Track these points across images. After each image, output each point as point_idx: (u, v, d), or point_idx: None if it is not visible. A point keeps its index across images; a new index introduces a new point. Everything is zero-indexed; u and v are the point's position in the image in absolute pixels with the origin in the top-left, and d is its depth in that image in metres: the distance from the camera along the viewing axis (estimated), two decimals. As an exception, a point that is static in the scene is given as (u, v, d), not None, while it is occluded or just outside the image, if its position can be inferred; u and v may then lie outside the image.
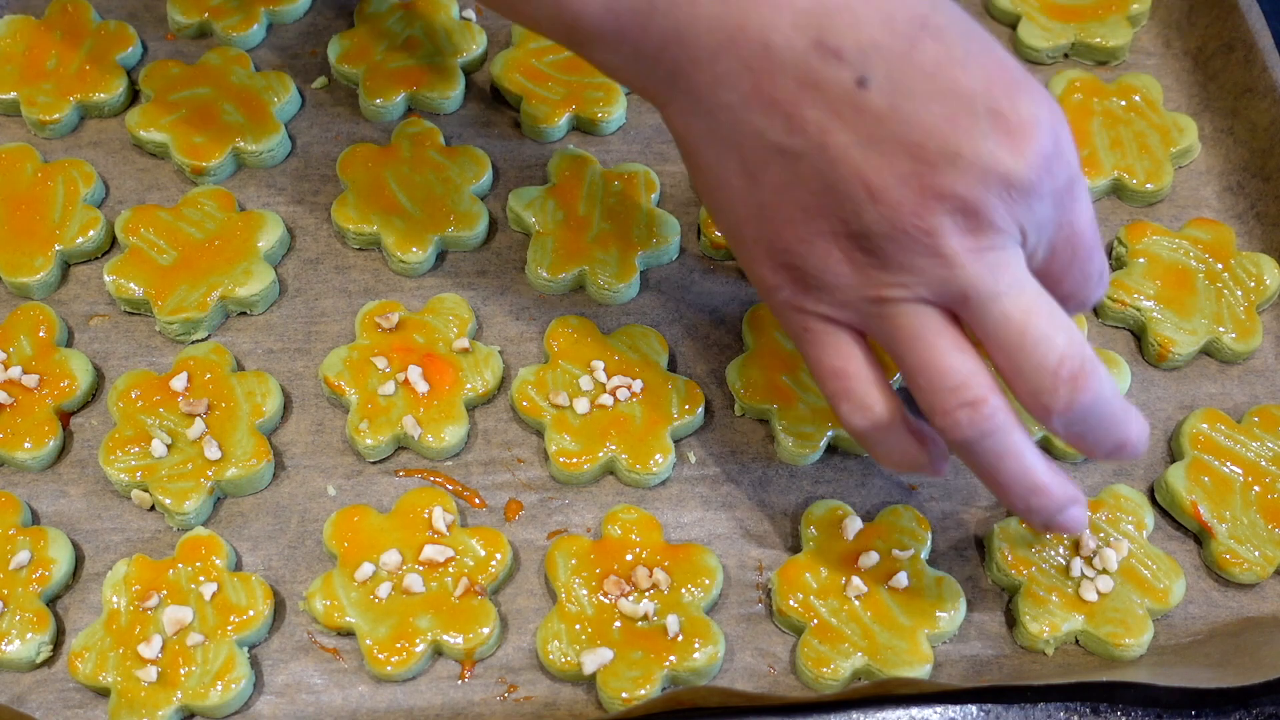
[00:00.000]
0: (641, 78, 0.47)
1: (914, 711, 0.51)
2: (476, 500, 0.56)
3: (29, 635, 0.51)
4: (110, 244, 0.62)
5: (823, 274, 0.45)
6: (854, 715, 0.50)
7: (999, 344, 0.44)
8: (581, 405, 0.56)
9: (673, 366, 0.59)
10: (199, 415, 0.56)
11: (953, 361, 0.44)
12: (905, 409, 0.48)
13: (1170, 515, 0.56)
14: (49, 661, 0.52)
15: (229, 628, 0.51)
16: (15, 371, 0.56)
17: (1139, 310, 0.60)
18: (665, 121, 0.48)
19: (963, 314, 0.44)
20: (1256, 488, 0.56)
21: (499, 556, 0.53)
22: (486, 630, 0.52)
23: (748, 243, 0.47)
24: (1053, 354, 0.43)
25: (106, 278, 0.59)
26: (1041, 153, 0.42)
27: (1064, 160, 0.43)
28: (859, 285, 0.44)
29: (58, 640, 0.52)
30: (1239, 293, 0.61)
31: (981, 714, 0.51)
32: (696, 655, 0.51)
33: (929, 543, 0.54)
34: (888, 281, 0.44)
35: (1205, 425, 0.57)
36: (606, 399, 0.57)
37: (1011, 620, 0.54)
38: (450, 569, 0.53)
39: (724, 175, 0.46)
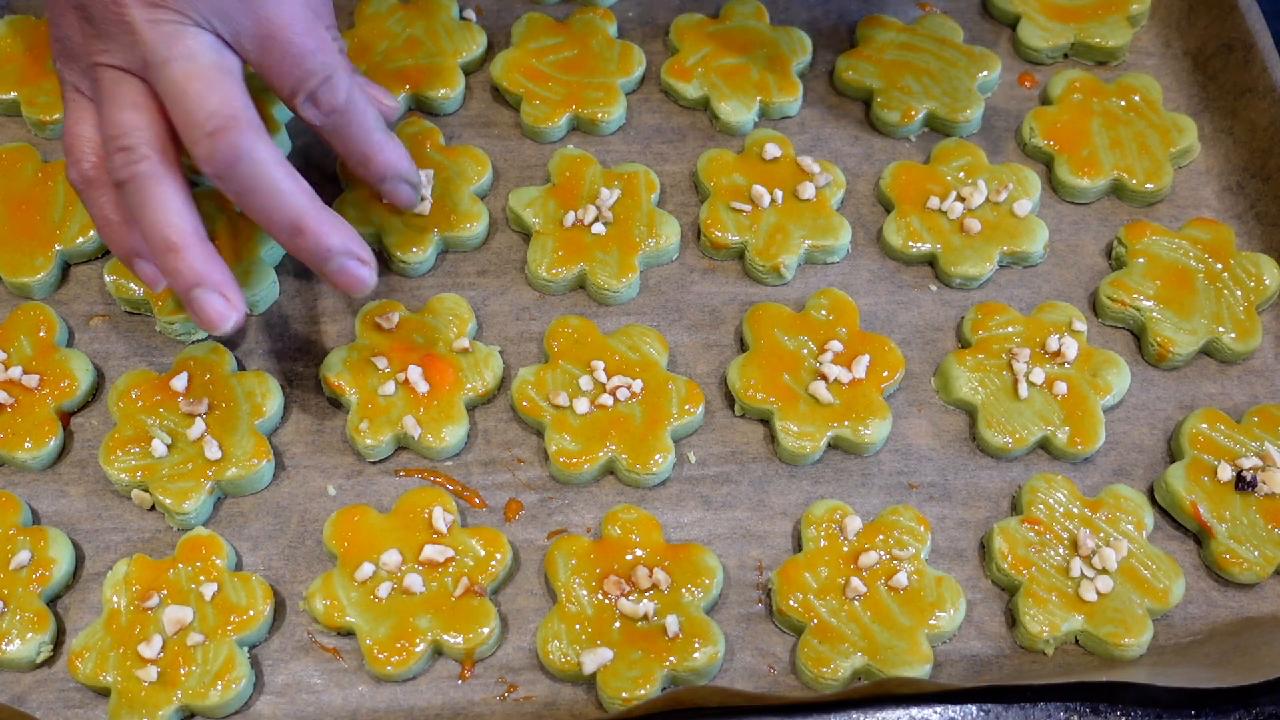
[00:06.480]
0: None
1: (914, 711, 0.51)
2: (476, 500, 0.56)
3: (29, 635, 0.51)
4: (110, 244, 0.62)
5: (67, 42, 0.53)
6: (854, 715, 0.50)
7: (168, 103, 0.51)
8: (581, 405, 0.56)
9: (673, 366, 0.59)
10: (199, 415, 0.56)
11: (121, 116, 0.51)
12: (109, 181, 0.52)
13: (1170, 515, 0.56)
14: (49, 661, 0.52)
15: (229, 627, 0.51)
16: (15, 371, 0.56)
17: (1139, 310, 0.60)
18: None
19: (149, 81, 0.51)
20: (1256, 488, 0.56)
21: (499, 556, 0.53)
22: (486, 630, 0.52)
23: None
24: (202, 111, 0.50)
25: (106, 278, 0.59)
26: None
27: None
28: (85, 53, 0.52)
29: (58, 640, 0.52)
30: (1239, 293, 0.61)
31: (981, 714, 0.51)
32: (696, 655, 0.51)
33: (929, 543, 0.54)
34: (99, 49, 0.51)
35: (1205, 425, 0.57)
36: (606, 399, 0.57)
37: (1011, 620, 0.54)
38: (450, 569, 0.53)
39: None
